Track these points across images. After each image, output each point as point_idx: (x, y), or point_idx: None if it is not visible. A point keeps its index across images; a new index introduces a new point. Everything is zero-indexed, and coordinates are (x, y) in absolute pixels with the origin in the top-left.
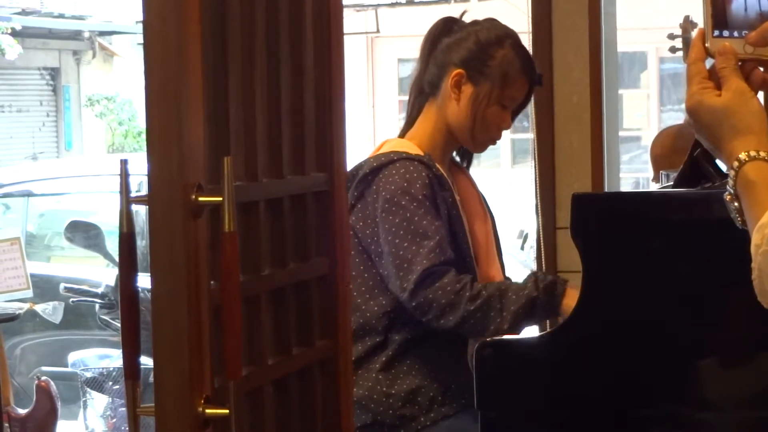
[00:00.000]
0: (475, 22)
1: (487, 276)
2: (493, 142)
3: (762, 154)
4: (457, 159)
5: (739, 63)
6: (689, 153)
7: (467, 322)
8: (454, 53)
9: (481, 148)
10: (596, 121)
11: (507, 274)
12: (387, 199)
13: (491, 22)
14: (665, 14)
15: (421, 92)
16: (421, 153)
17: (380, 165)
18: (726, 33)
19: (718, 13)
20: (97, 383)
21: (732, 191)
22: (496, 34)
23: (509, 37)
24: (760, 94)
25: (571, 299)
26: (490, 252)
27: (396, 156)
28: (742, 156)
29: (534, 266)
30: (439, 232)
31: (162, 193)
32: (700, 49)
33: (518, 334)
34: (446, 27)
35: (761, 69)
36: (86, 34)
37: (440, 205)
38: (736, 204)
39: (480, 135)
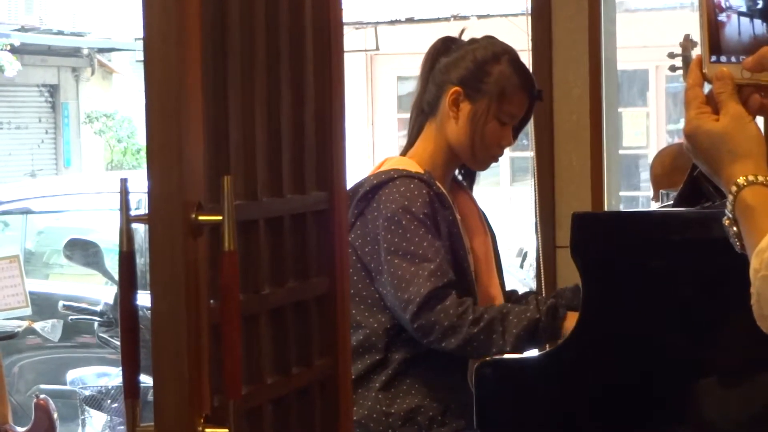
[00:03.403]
0: (473, 41)
1: (487, 292)
2: (495, 159)
3: (760, 178)
4: (459, 177)
5: (737, 87)
6: (689, 172)
7: (470, 345)
8: (452, 72)
9: (483, 165)
10: (596, 140)
11: (507, 290)
12: (388, 217)
13: (489, 40)
14: (666, 33)
15: (421, 112)
16: (422, 171)
17: (380, 183)
18: (723, 58)
19: (714, 39)
20: (96, 401)
21: (730, 216)
22: (493, 51)
23: (506, 53)
24: (759, 119)
25: (571, 322)
26: (490, 269)
27: (396, 174)
28: (741, 180)
29: (533, 285)
30: (439, 254)
31: (162, 211)
32: (697, 74)
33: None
34: (444, 46)
35: (759, 94)
36: (85, 51)
37: (441, 223)
38: (734, 228)
39: (480, 152)
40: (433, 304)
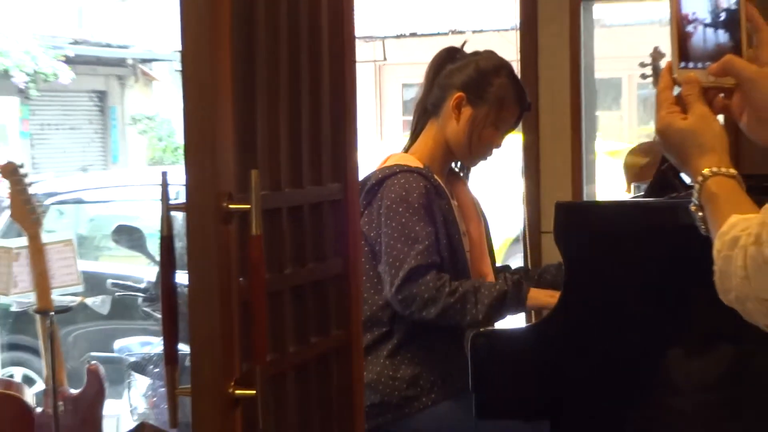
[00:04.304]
0: (476, 52)
1: (479, 271)
2: (485, 159)
3: (723, 170)
4: (456, 169)
5: (703, 90)
6: (658, 167)
7: (447, 313)
8: (456, 78)
9: (475, 163)
10: (576, 139)
11: (500, 265)
12: (388, 206)
13: (490, 53)
14: (637, 45)
15: (425, 112)
16: (421, 166)
17: (384, 176)
18: (691, 64)
19: (683, 47)
20: (140, 367)
21: (697, 203)
22: (494, 64)
23: (505, 67)
24: (721, 117)
25: (534, 291)
26: (482, 250)
27: (398, 168)
28: (706, 172)
29: (521, 265)
30: (429, 238)
31: (198, 201)
32: (668, 78)
33: (491, 326)
34: (449, 55)
35: (722, 95)
36: (130, 61)
37: (436, 212)
38: (700, 214)
39: (475, 152)
40: (415, 278)
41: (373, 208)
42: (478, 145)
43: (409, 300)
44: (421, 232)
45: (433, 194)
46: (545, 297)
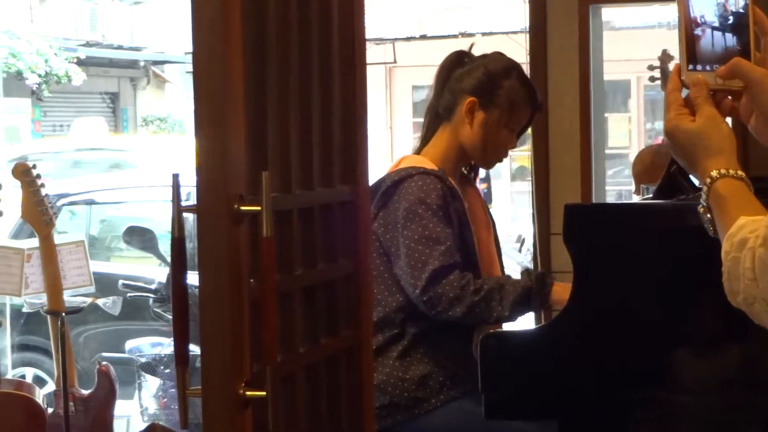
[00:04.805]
0: (484, 55)
1: (489, 273)
2: (500, 161)
3: (731, 171)
4: (464, 172)
5: (711, 92)
6: (667, 169)
7: (473, 312)
8: (466, 82)
9: (490, 165)
10: (585, 141)
11: (506, 273)
12: (407, 208)
13: (498, 55)
14: (645, 48)
15: (436, 116)
16: (435, 168)
17: (400, 179)
18: (699, 67)
19: (691, 50)
20: (151, 367)
21: (705, 204)
22: (503, 66)
23: (515, 68)
24: (729, 120)
25: (558, 286)
26: (492, 253)
27: (414, 171)
28: (714, 173)
29: (531, 267)
30: (449, 239)
31: (209, 202)
32: (676, 80)
33: (515, 321)
34: (458, 59)
35: (729, 98)
36: (142, 64)
37: (452, 214)
38: (708, 215)
39: (490, 155)
40: (439, 278)
41: (390, 210)
42: (494, 147)
43: (435, 300)
44: (441, 233)
45: (449, 197)
46: (569, 292)
